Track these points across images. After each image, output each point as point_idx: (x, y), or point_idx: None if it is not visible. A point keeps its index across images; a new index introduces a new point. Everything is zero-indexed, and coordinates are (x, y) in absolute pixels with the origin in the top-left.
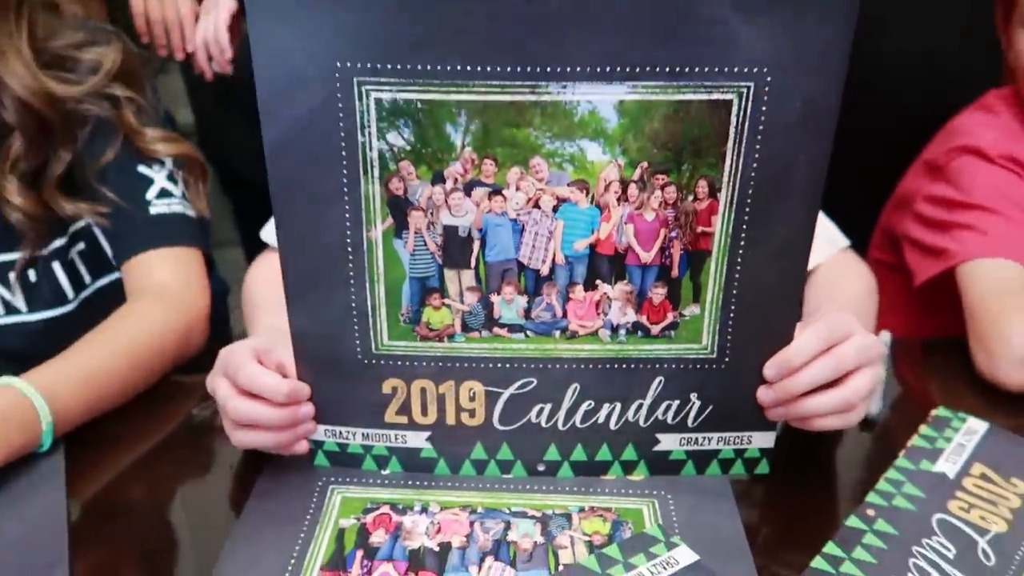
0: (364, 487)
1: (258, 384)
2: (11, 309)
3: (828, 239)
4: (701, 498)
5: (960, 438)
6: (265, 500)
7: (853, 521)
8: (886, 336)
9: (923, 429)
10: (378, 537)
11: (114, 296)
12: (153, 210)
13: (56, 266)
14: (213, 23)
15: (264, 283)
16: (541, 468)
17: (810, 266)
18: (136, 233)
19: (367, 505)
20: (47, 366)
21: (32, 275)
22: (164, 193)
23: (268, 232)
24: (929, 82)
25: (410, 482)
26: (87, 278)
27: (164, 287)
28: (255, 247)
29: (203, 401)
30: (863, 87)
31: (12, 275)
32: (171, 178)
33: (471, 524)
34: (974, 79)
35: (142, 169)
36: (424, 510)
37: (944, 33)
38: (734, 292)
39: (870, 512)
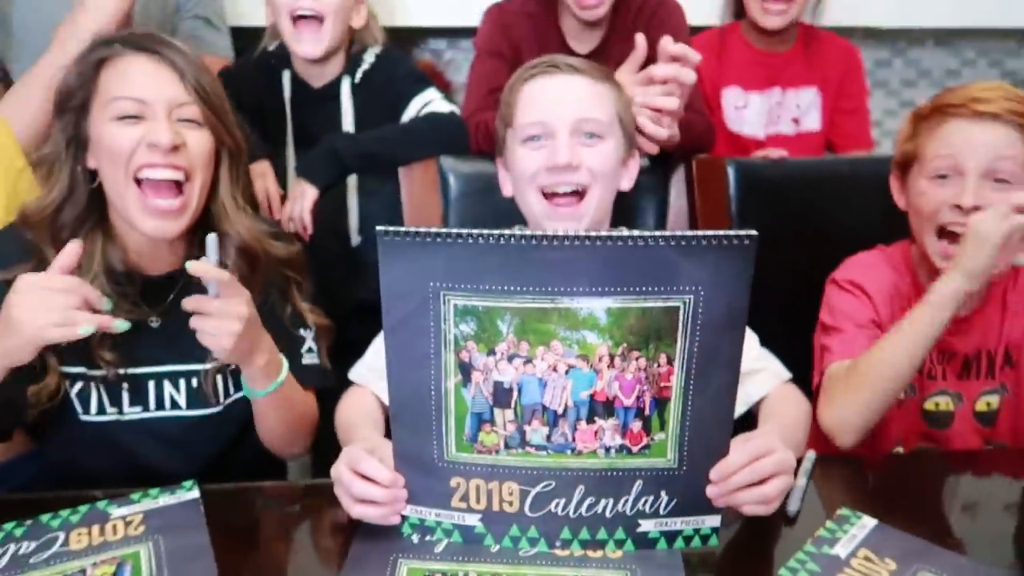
0: (423, 561)
1: (372, 471)
2: (175, 405)
3: (775, 373)
4: (660, 569)
5: (854, 531)
6: (355, 564)
7: None
8: (811, 454)
9: (828, 523)
10: None
11: (247, 404)
12: (304, 361)
13: (219, 378)
14: (300, 208)
15: (356, 411)
16: (558, 544)
17: (760, 395)
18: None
19: (425, 573)
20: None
21: (194, 381)
22: (309, 350)
23: (356, 373)
24: None
25: (458, 558)
26: (232, 389)
27: None
28: None
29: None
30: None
31: (183, 381)
32: (314, 339)
33: None
34: None
35: (300, 331)
36: None
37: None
38: (687, 424)
39: None
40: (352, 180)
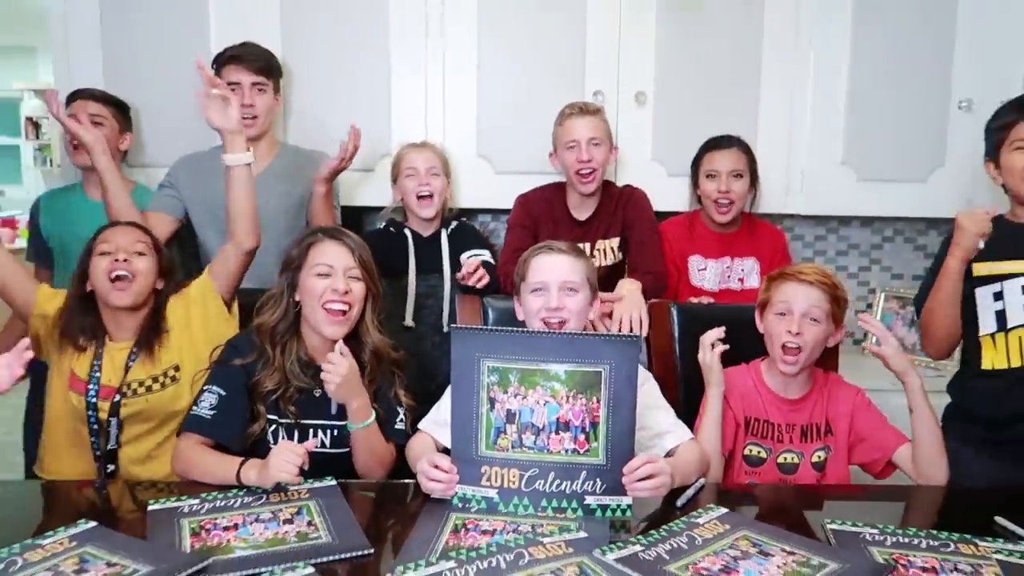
0: (462, 514)
1: (441, 463)
2: (323, 445)
3: (682, 435)
4: (597, 526)
5: (712, 513)
6: (425, 518)
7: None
8: (701, 481)
9: (698, 509)
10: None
11: None
12: (396, 426)
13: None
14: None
15: (421, 445)
16: (540, 508)
17: (672, 446)
18: (388, 434)
19: (463, 520)
20: None
21: (335, 431)
22: (400, 420)
23: (424, 423)
24: None
25: (482, 515)
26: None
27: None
28: None
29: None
30: None
31: (330, 431)
32: (404, 414)
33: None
34: None
35: (398, 408)
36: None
37: None
38: (609, 437)
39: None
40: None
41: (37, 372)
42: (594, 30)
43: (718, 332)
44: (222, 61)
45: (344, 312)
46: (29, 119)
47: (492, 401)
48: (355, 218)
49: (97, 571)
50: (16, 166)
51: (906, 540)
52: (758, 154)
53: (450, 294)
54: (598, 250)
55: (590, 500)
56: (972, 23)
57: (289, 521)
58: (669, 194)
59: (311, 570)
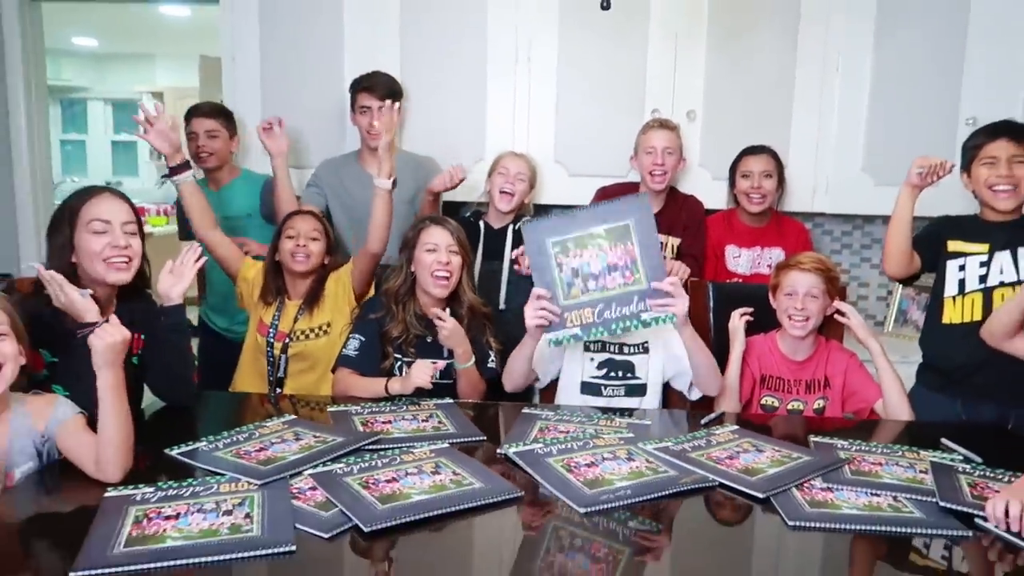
0: (543, 420)
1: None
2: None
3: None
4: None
5: (729, 425)
6: (520, 420)
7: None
8: (722, 410)
9: (723, 423)
10: (552, 431)
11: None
12: (488, 365)
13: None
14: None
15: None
16: (612, 328)
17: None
18: (482, 372)
19: (547, 424)
20: None
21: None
22: (492, 360)
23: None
24: None
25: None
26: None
27: None
28: None
29: None
30: None
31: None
32: (495, 356)
33: None
34: None
35: (489, 352)
36: None
37: None
38: (646, 267)
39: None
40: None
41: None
42: (653, 58)
43: (747, 310)
44: (357, 88)
45: (447, 278)
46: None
47: (560, 265)
48: (454, 209)
49: (310, 438)
50: (134, 160)
51: (867, 448)
52: (789, 162)
53: (507, 278)
54: (661, 242)
55: (645, 316)
56: (979, 51)
57: (427, 420)
58: (713, 194)
59: (447, 444)
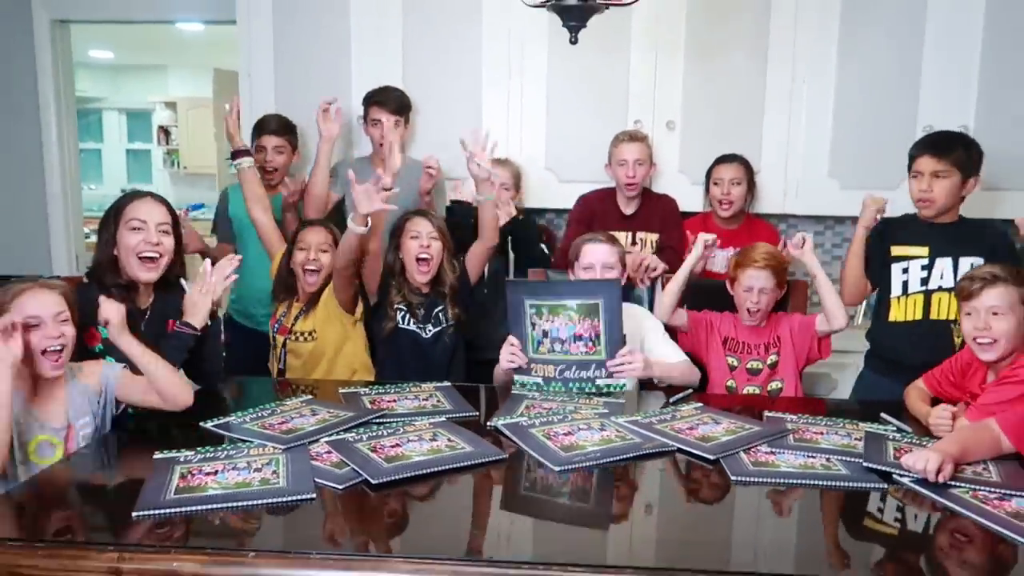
0: (529, 400)
1: (518, 352)
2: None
3: (678, 356)
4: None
5: (693, 404)
6: (509, 400)
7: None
8: (689, 391)
9: (687, 403)
10: (537, 407)
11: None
12: None
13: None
14: None
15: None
16: (569, 387)
17: (667, 360)
18: None
19: (532, 402)
20: None
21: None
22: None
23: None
24: None
25: (531, 394)
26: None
27: None
28: None
29: None
30: None
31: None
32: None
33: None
34: None
35: None
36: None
37: None
38: (607, 343)
39: None
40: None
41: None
42: (635, 72)
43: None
44: (370, 102)
45: (428, 260)
46: (160, 127)
47: (533, 325)
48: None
49: (325, 413)
50: (148, 168)
51: (812, 421)
52: (761, 168)
53: (514, 272)
54: (639, 239)
55: (599, 382)
56: (934, 65)
57: (427, 399)
58: (691, 198)
59: (444, 418)
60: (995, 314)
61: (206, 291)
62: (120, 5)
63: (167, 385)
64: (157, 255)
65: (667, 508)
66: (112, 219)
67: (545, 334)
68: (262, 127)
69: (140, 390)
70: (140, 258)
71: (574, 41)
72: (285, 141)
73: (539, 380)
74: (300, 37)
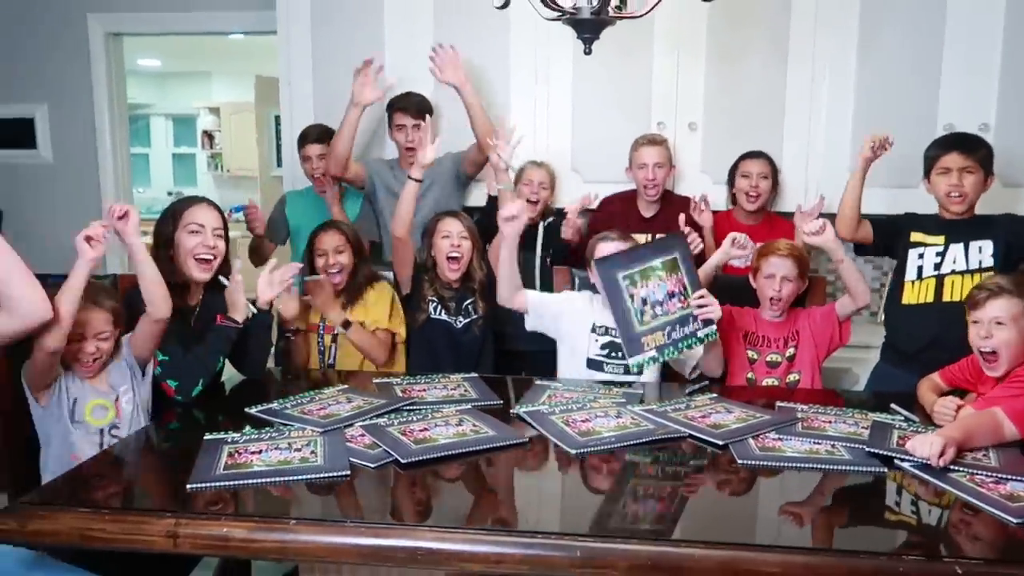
0: (551, 389)
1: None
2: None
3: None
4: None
5: (710, 394)
6: (532, 389)
7: None
8: (706, 382)
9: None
10: (559, 396)
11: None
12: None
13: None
14: None
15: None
16: (679, 351)
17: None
18: None
19: (555, 392)
20: None
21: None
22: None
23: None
24: None
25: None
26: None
27: None
28: None
29: None
30: None
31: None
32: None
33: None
34: None
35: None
36: None
37: None
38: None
39: None
40: None
41: None
42: (657, 75)
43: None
44: (393, 108)
45: (459, 259)
46: (205, 132)
47: (632, 296)
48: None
49: (360, 400)
50: (192, 171)
51: (822, 410)
52: (782, 166)
53: (540, 266)
54: None
55: (700, 333)
56: (955, 65)
57: (455, 389)
58: (714, 197)
59: (470, 406)
60: (998, 324)
61: (238, 288)
62: (169, 19)
63: (150, 288)
64: (212, 257)
65: (676, 487)
66: (170, 221)
67: (644, 301)
68: (304, 138)
69: (144, 332)
70: (196, 259)
71: (588, 52)
72: (326, 148)
73: (652, 353)
74: (337, 46)
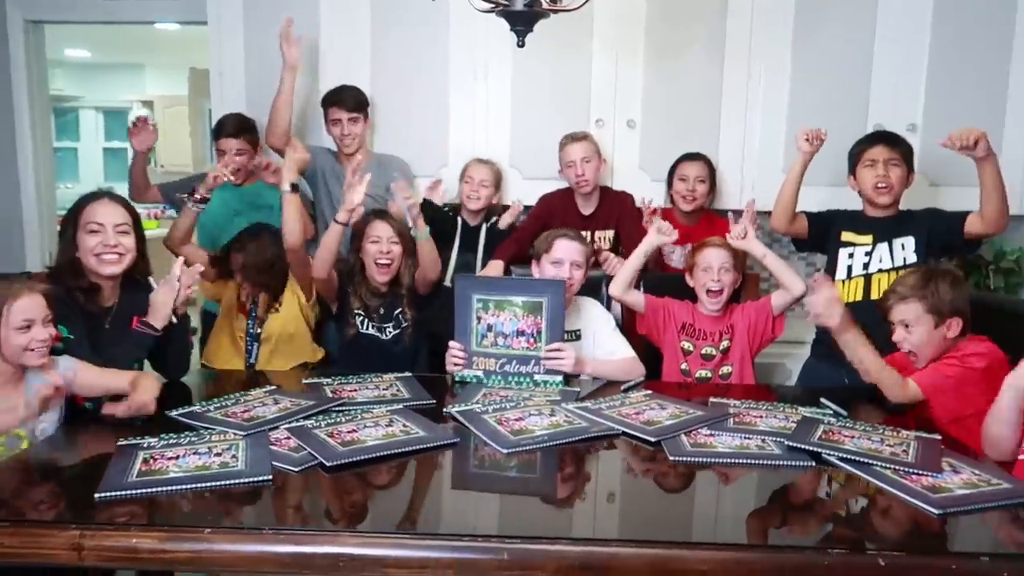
0: (485, 390)
1: (459, 353)
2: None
3: (625, 352)
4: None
5: (642, 390)
6: (465, 390)
7: None
8: (640, 379)
9: (638, 389)
10: (494, 395)
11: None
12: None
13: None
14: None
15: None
16: (510, 382)
17: (615, 355)
18: None
19: (488, 391)
20: None
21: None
22: None
23: None
24: None
25: (474, 387)
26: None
27: None
28: None
29: None
30: None
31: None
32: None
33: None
34: None
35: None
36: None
37: None
38: (547, 340)
39: None
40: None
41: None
42: (596, 72)
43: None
44: (328, 103)
45: (388, 265)
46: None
47: (479, 318)
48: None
49: (287, 402)
50: (124, 166)
51: (754, 405)
52: (719, 165)
53: (480, 268)
54: (598, 237)
55: (537, 377)
56: (885, 66)
57: (387, 389)
58: (652, 195)
59: (401, 406)
60: (906, 326)
61: (168, 292)
62: (93, 6)
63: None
64: (116, 256)
65: (607, 486)
66: (71, 222)
67: (489, 328)
68: (220, 129)
69: (98, 378)
70: (99, 258)
71: (521, 45)
72: (244, 142)
73: (479, 374)
74: (270, 37)
